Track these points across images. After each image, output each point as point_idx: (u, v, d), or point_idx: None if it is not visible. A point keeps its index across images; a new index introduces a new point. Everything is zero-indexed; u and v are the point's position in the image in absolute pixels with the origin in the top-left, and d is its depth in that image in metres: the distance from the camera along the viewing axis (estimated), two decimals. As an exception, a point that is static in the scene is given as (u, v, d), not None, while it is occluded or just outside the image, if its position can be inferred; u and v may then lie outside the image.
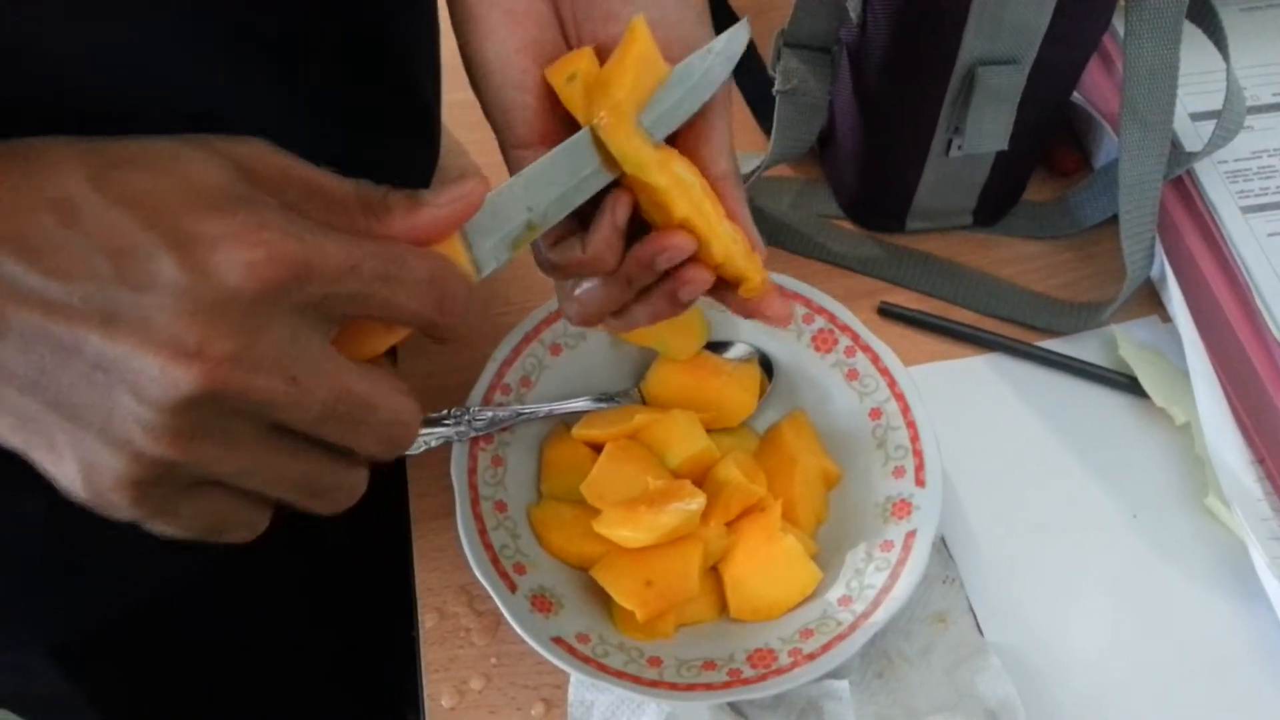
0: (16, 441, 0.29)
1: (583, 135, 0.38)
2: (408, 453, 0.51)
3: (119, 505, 0.29)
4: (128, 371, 0.27)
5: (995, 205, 0.66)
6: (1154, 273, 0.62)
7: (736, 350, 0.58)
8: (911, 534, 0.50)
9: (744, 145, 0.70)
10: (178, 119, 0.36)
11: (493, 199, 0.37)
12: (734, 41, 0.40)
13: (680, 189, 0.39)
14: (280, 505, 0.33)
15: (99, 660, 0.59)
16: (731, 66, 0.40)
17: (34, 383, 0.28)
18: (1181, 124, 0.64)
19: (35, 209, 0.27)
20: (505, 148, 0.40)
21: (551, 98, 0.40)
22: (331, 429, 0.31)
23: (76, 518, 0.31)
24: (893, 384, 0.55)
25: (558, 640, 0.48)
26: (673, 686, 0.47)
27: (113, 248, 0.27)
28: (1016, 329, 0.63)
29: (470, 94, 0.42)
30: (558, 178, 0.38)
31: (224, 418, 0.29)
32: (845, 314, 0.57)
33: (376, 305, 0.31)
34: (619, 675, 0.47)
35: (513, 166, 0.40)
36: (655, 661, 0.48)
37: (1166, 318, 0.62)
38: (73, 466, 0.29)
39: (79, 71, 0.35)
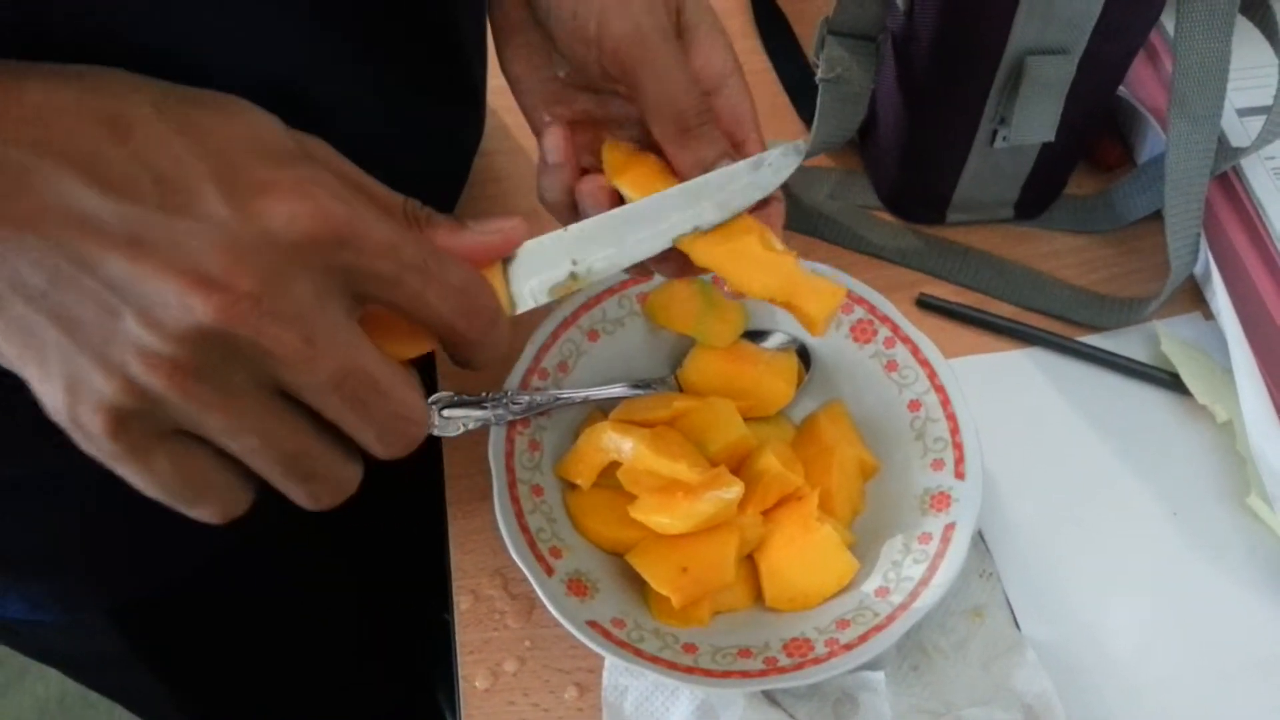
0: (11, 352, 0.28)
1: (638, 209, 0.41)
2: (446, 435, 0.51)
3: (94, 434, 0.28)
4: (141, 294, 0.26)
5: (1037, 198, 0.65)
6: (1197, 269, 0.61)
7: (774, 339, 0.58)
8: (950, 526, 0.50)
9: (783, 134, 0.70)
10: (254, 85, 0.37)
11: (541, 243, 0.39)
12: (788, 156, 0.42)
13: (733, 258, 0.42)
14: (264, 488, 0.32)
15: (154, 622, 0.60)
16: (780, 180, 0.42)
17: (42, 294, 0.27)
18: (1228, 119, 0.63)
19: (92, 122, 0.27)
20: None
21: None
22: (335, 404, 0.30)
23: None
24: (933, 376, 0.54)
25: (593, 624, 0.48)
26: (708, 673, 0.47)
27: (161, 172, 0.27)
28: (1057, 323, 0.62)
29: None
30: (608, 241, 0.40)
31: (227, 362, 0.28)
32: (885, 304, 0.57)
33: (405, 295, 0.31)
34: (654, 660, 0.47)
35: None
36: (690, 648, 0.48)
37: (1209, 314, 0.62)
38: (59, 384, 0.28)
39: (156, 34, 0.36)
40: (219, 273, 0.26)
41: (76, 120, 0.27)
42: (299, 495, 0.31)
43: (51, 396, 0.28)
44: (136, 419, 0.28)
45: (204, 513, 0.31)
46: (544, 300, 0.39)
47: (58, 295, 0.27)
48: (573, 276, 0.39)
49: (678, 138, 0.41)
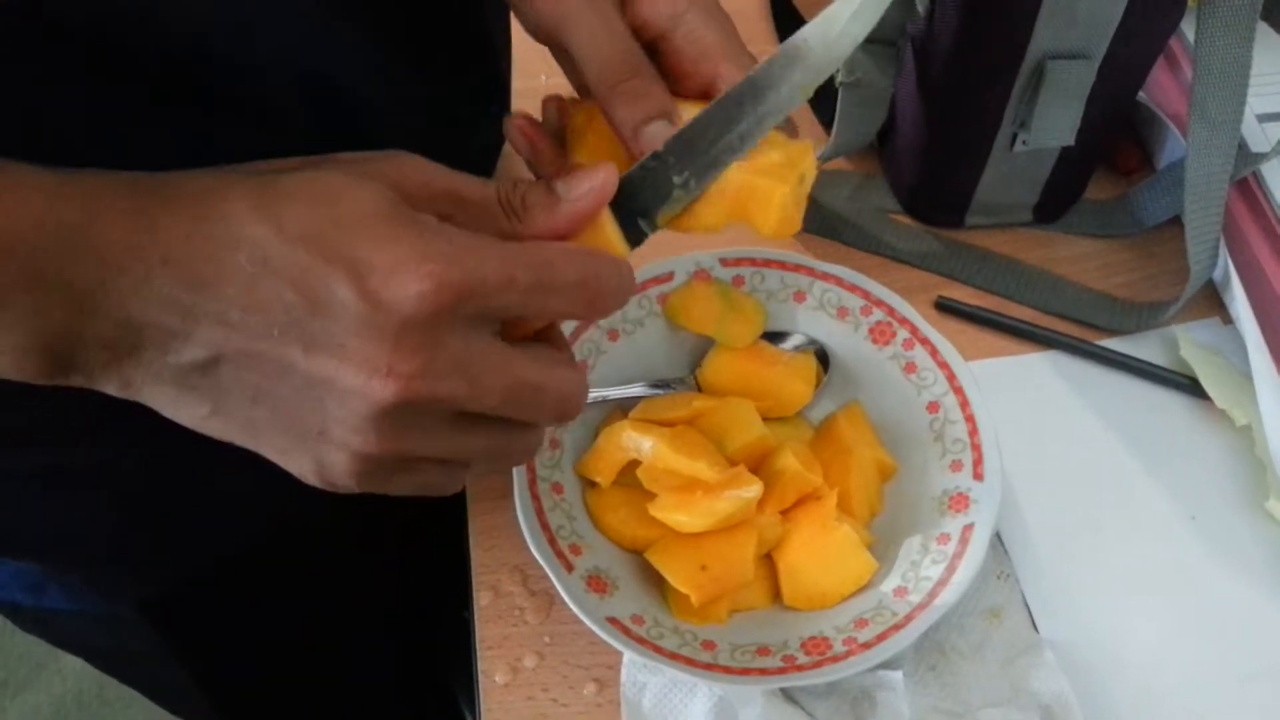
0: (249, 444, 0.34)
1: (732, 96, 0.38)
2: None
3: (347, 487, 0.34)
4: (333, 388, 0.31)
5: (1056, 202, 0.65)
6: (1216, 274, 0.61)
7: (793, 340, 0.58)
8: (969, 527, 0.50)
9: (802, 138, 0.70)
10: (284, 77, 0.37)
11: (638, 172, 0.37)
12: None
13: None
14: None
15: (182, 615, 0.61)
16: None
17: (255, 398, 0.32)
18: (1249, 125, 0.63)
19: (227, 250, 0.31)
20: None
21: None
22: (510, 411, 0.34)
23: (169, 475, 0.33)
24: (952, 378, 0.55)
25: (613, 620, 0.48)
26: (727, 670, 0.47)
27: (299, 284, 0.31)
28: (1076, 327, 0.62)
29: (533, 83, 0.44)
30: (707, 141, 0.38)
31: (419, 416, 0.33)
32: (904, 306, 0.57)
33: (533, 311, 0.34)
34: (673, 657, 0.47)
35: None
36: (709, 645, 0.49)
37: (1228, 319, 0.62)
38: (307, 464, 0.34)
39: (191, 28, 0.37)
40: (383, 362, 0.31)
41: (217, 255, 0.31)
42: (505, 467, 0.39)
43: (301, 472, 0.34)
44: (373, 470, 0.34)
45: (439, 494, 0.37)
46: (656, 230, 0.38)
47: (268, 397, 0.32)
48: (679, 196, 0.38)
49: (606, 95, 0.39)
